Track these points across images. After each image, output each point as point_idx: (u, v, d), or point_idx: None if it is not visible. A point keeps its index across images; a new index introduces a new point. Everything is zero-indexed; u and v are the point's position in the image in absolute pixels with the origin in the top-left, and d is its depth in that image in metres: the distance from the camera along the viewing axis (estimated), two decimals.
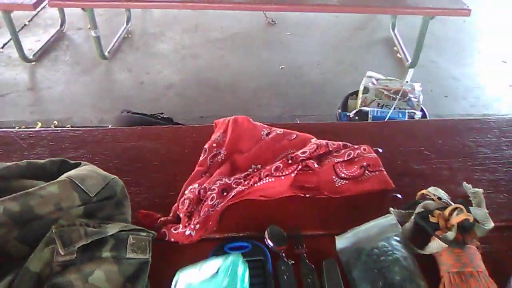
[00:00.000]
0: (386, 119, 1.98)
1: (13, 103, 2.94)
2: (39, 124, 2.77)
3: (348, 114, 2.12)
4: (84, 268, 0.70)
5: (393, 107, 2.03)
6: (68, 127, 2.76)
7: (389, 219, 0.83)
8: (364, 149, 0.97)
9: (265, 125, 1.06)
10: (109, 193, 0.82)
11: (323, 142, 0.97)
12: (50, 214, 0.74)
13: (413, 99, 2.18)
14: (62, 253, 0.69)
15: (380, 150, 1.03)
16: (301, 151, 0.94)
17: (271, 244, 0.80)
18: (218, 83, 3.13)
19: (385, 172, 0.94)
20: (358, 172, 0.94)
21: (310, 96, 3.01)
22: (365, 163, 0.95)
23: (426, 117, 2.13)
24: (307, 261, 0.78)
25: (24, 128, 2.77)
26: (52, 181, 0.78)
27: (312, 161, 0.92)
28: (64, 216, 0.76)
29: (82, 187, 0.78)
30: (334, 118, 2.62)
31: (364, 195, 0.92)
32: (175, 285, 0.69)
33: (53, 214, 0.74)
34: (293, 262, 0.78)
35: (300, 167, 0.90)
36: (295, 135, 1.02)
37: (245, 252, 0.79)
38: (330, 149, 0.96)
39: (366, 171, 0.94)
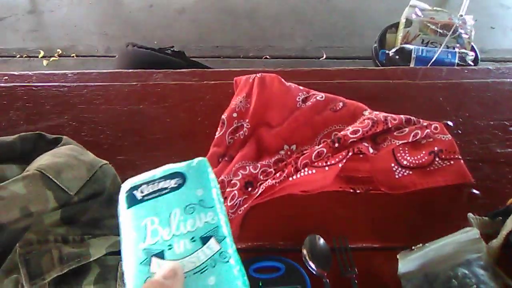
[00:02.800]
0: (432, 60, 1.69)
1: (13, 28, 2.71)
2: (42, 53, 2.55)
3: (387, 52, 1.83)
4: None
5: (442, 46, 1.72)
6: (73, 57, 2.53)
7: (470, 233, 0.61)
8: (436, 128, 0.73)
9: (301, 87, 0.81)
10: (95, 189, 0.61)
11: (380, 116, 0.72)
12: (15, 222, 0.55)
13: (463, 35, 1.87)
14: None
15: (450, 124, 0.79)
16: (351, 129, 0.70)
17: (312, 266, 0.60)
18: (235, 8, 2.80)
19: (462, 161, 0.71)
20: (426, 159, 0.71)
21: (339, 25, 2.68)
22: (436, 148, 0.71)
23: (478, 59, 1.83)
24: None
25: (25, 57, 2.55)
26: (17, 177, 0.58)
27: (365, 144, 0.69)
28: (33, 225, 0.56)
29: (58, 183, 0.58)
30: (365, 51, 2.33)
31: (432, 191, 0.70)
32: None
33: (19, 222, 0.56)
34: None
35: (350, 154, 0.67)
36: (341, 104, 0.78)
37: (277, 277, 0.59)
38: (390, 125, 0.72)
39: (437, 159, 0.71)
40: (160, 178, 0.40)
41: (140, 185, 0.40)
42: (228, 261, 0.34)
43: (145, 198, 0.39)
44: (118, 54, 1.82)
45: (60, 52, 2.56)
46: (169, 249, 0.35)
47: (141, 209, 0.38)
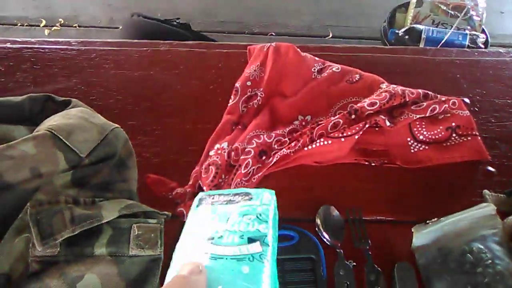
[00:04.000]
0: (443, 41, 1.66)
1: None
2: (43, 22, 2.50)
3: (396, 31, 1.80)
4: (69, 270, 0.50)
5: (453, 27, 1.69)
6: (75, 27, 2.49)
7: (486, 209, 0.61)
8: (454, 103, 0.71)
9: (316, 58, 0.80)
10: (107, 152, 0.60)
11: (398, 89, 0.71)
12: (24, 182, 0.54)
13: (475, 17, 1.83)
14: (39, 249, 0.49)
15: (467, 101, 0.77)
16: (368, 101, 0.69)
17: (326, 236, 0.59)
18: None
19: (479, 138, 0.70)
20: (442, 134, 0.70)
21: (346, 3, 2.63)
22: (453, 124, 0.70)
23: (488, 42, 1.80)
24: (375, 265, 0.57)
25: (27, 25, 2.51)
26: (27, 137, 0.56)
27: (382, 116, 0.67)
28: (44, 186, 0.55)
29: (69, 144, 0.56)
30: (373, 32, 2.29)
31: (448, 167, 0.69)
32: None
33: (29, 182, 0.54)
34: (355, 264, 0.57)
35: (367, 126, 0.66)
36: (358, 76, 0.76)
37: (291, 246, 0.59)
38: (407, 99, 0.70)
39: (454, 135, 0.70)
40: (232, 193, 0.47)
41: (214, 195, 0.48)
42: (263, 262, 0.38)
43: (213, 203, 0.47)
44: (122, 23, 1.78)
45: (62, 22, 2.52)
46: (219, 238, 0.41)
47: (207, 209, 0.46)
